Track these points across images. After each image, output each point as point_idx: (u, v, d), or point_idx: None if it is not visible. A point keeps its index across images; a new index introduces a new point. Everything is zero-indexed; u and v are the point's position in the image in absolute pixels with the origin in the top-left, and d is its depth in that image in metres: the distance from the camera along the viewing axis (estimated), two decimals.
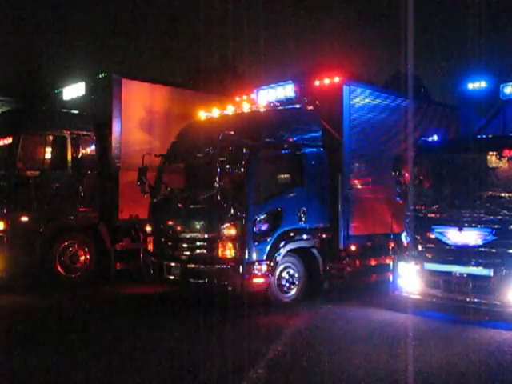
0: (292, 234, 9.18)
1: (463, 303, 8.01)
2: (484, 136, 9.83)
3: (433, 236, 8.44)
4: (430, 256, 8.48)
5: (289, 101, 10.34)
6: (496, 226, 7.80)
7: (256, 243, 8.67)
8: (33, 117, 11.41)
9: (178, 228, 9.33)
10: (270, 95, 10.71)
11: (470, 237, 8.01)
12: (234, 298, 8.64)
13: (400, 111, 10.95)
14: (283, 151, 9.41)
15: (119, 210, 11.42)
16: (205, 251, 8.92)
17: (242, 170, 8.47)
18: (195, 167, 9.99)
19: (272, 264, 8.77)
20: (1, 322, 8.38)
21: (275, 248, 8.86)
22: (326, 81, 10.11)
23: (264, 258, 8.72)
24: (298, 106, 10.18)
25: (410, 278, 8.52)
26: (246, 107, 10.09)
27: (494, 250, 7.80)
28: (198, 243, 9.03)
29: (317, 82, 10.25)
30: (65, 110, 12.11)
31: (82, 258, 11.30)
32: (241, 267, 8.48)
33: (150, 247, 9.83)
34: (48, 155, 10.93)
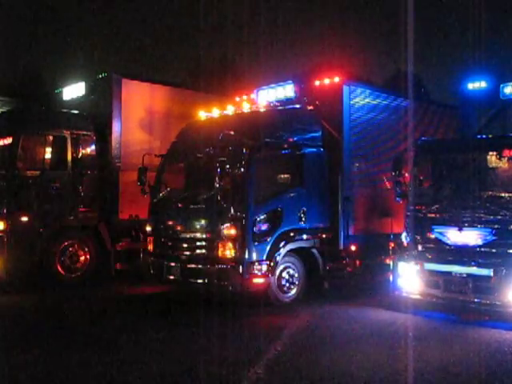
0: (292, 234, 9.18)
1: (463, 303, 8.01)
2: (484, 136, 9.82)
3: (433, 236, 8.45)
4: (430, 256, 8.48)
5: (289, 101, 10.34)
6: (496, 226, 7.80)
7: (256, 243, 8.67)
8: (33, 117, 11.41)
9: (178, 228, 9.33)
10: (270, 95, 10.71)
11: (470, 237, 8.01)
12: (233, 298, 8.65)
13: (400, 111, 10.95)
14: (283, 151, 9.41)
15: (119, 210, 11.42)
16: (205, 251, 8.92)
17: (242, 169, 8.48)
18: (195, 167, 9.99)
19: (272, 264, 8.77)
20: (1, 321, 8.38)
21: (275, 248, 8.85)
22: (326, 81, 10.11)
23: (264, 257, 8.71)
24: (297, 106, 10.17)
25: (410, 278, 8.52)
26: (246, 107, 10.09)
27: (494, 250, 7.80)
28: (198, 243, 9.04)
29: (317, 82, 10.26)
30: (65, 110, 12.11)
31: (82, 258, 11.29)
32: (241, 267, 8.48)
33: (150, 247, 9.82)
34: (48, 155, 10.93)
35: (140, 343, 7.03)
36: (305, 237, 9.39)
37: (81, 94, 12.38)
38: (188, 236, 9.16)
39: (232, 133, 8.82)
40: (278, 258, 8.88)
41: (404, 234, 8.93)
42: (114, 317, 8.57)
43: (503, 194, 8.07)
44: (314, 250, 9.49)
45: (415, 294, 8.50)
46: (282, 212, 9.04)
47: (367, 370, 5.89)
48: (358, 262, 10.03)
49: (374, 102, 10.55)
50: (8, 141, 10.76)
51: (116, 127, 11.47)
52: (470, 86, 13.22)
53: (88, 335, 7.44)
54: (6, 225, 10.44)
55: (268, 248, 8.78)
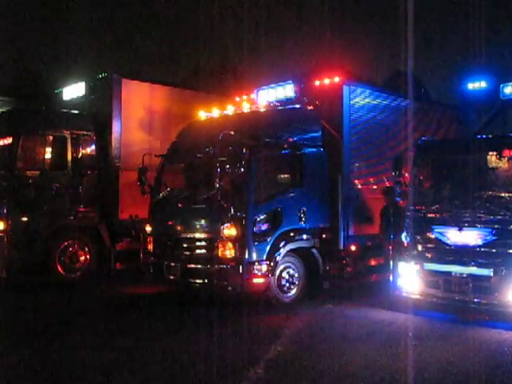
0: (292, 234, 9.18)
1: (463, 303, 8.00)
2: (484, 136, 9.82)
3: (433, 236, 8.44)
4: (429, 256, 8.47)
5: (289, 101, 10.33)
6: (496, 226, 7.79)
7: (256, 243, 8.67)
8: (33, 117, 11.42)
9: (178, 228, 9.33)
10: (270, 95, 10.71)
11: (470, 237, 8.01)
12: (233, 298, 8.65)
13: (400, 111, 10.95)
14: (283, 151, 9.41)
15: (119, 210, 11.43)
16: (205, 251, 8.92)
17: (242, 170, 8.47)
18: (195, 167, 9.98)
19: (272, 264, 8.76)
20: (1, 321, 8.38)
21: (275, 248, 8.85)
22: (326, 81, 10.11)
23: (264, 257, 8.71)
24: (297, 106, 10.17)
25: (410, 278, 8.51)
26: (246, 107, 10.09)
27: (494, 250, 7.79)
28: (197, 243, 9.04)
29: (317, 82, 10.25)
30: (65, 110, 12.12)
31: (82, 258, 11.29)
32: (241, 267, 8.48)
33: (150, 247, 9.82)
34: (48, 155, 10.93)
35: (140, 343, 7.02)
36: (305, 237, 9.38)
37: (81, 94, 12.38)
38: (188, 236, 9.16)
39: (232, 133, 8.82)
40: (278, 258, 8.88)
41: (404, 234, 8.93)
42: (114, 317, 8.57)
43: (503, 194, 8.07)
44: (314, 250, 9.49)
45: (415, 294, 8.49)
46: (281, 212, 9.04)
47: (367, 370, 5.90)
48: (358, 262, 10.04)
49: (374, 102, 10.55)
50: (8, 141, 10.77)
51: (116, 127, 11.47)
52: (470, 85, 13.23)
53: (87, 335, 7.43)
54: (5, 225, 10.45)
55: (268, 248, 8.78)
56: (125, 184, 11.33)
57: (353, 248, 9.92)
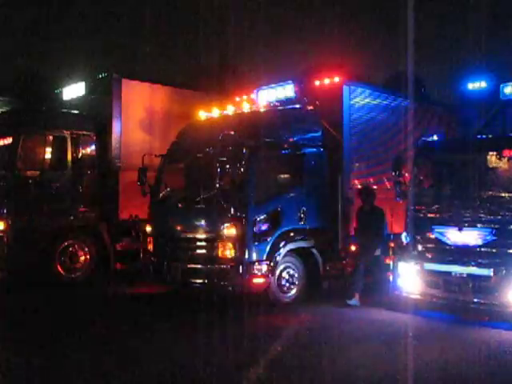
0: (292, 234, 9.18)
1: (463, 303, 8.00)
2: (484, 136, 9.81)
3: (433, 236, 8.44)
4: (430, 256, 8.47)
5: (289, 101, 10.33)
6: (496, 226, 7.79)
7: (256, 243, 8.67)
8: (33, 117, 11.41)
9: (178, 228, 9.33)
10: (270, 95, 10.71)
11: (470, 237, 8.01)
12: (234, 298, 8.65)
13: (400, 111, 10.95)
14: (283, 151, 9.40)
15: (119, 210, 11.42)
16: (205, 251, 8.92)
17: (242, 170, 8.48)
18: (195, 167, 9.98)
19: (272, 264, 8.76)
20: (1, 321, 8.38)
21: (275, 248, 8.85)
22: (326, 81, 10.11)
23: (264, 258, 8.71)
24: (297, 105, 10.17)
25: (410, 278, 8.51)
26: (246, 107, 10.08)
27: (494, 250, 7.79)
28: (198, 243, 9.03)
29: (317, 82, 10.25)
30: (65, 110, 12.11)
31: (82, 258, 11.28)
32: (241, 267, 8.48)
33: (150, 247, 9.82)
34: (48, 155, 10.93)
35: (140, 343, 7.03)
36: (305, 237, 9.39)
37: (81, 94, 12.37)
38: (188, 236, 9.15)
39: (232, 133, 8.82)
40: (278, 258, 8.88)
41: (404, 234, 8.93)
42: (114, 317, 8.57)
43: (503, 194, 8.06)
44: (314, 250, 9.49)
45: (415, 293, 8.49)
46: (281, 212, 9.04)
47: (367, 370, 5.90)
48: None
49: (374, 102, 10.55)
50: (8, 141, 10.77)
51: (116, 127, 11.46)
52: (470, 85, 13.23)
53: (87, 335, 7.43)
54: (5, 225, 10.45)
55: (268, 248, 8.78)
56: (125, 184, 11.33)
57: (353, 248, 9.92)
